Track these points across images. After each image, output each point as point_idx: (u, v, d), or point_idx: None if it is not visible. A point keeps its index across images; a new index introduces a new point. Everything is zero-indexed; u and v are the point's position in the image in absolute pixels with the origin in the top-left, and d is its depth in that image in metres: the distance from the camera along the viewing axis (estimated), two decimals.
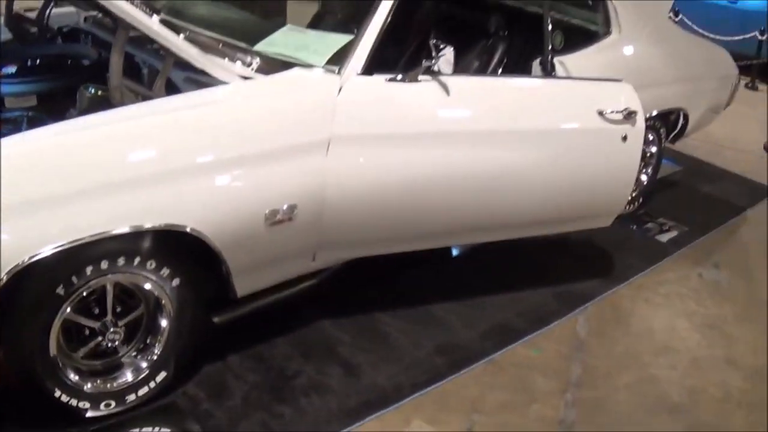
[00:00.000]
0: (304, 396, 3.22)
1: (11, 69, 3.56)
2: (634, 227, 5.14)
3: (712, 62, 5.47)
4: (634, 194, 5.17)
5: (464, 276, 4.26)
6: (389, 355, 3.53)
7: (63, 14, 4.09)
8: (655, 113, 4.85)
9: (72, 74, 3.49)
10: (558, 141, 3.66)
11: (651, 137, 5.08)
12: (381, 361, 3.48)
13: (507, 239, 3.93)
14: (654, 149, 5.16)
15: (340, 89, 3.15)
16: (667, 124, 5.16)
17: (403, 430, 3.12)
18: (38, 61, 3.66)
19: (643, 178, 5.23)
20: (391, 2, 3.31)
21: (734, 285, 4.58)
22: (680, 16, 9.25)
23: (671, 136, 5.31)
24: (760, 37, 9.35)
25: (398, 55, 3.85)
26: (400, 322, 3.76)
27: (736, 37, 8.93)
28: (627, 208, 5.13)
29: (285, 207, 3.00)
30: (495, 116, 3.54)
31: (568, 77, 3.99)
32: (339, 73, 3.18)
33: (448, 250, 4.43)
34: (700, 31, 8.84)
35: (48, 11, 3.93)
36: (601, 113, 3.71)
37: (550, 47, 3.98)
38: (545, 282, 4.25)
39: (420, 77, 3.28)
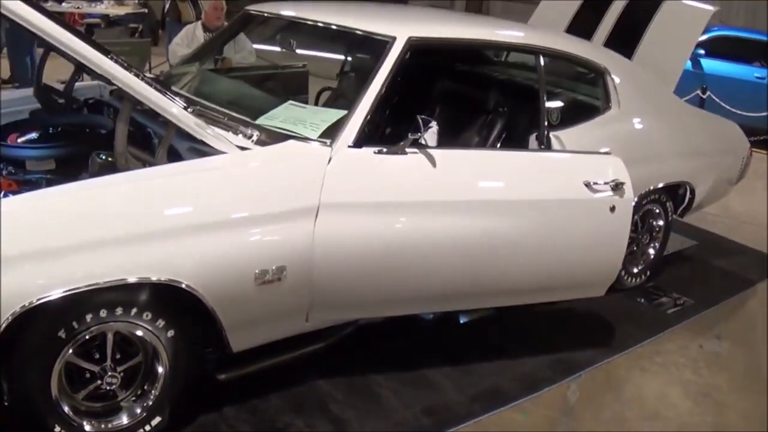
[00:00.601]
0: None
1: (34, 135, 3.91)
2: (642, 300, 5.22)
3: (719, 136, 5.61)
4: (640, 267, 5.29)
5: (461, 341, 4.41)
6: (378, 413, 3.69)
7: (90, 87, 4.45)
8: (660, 186, 4.99)
9: (88, 142, 3.80)
10: (544, 211, 3.83)
11: (657, 210, 5.21)
12: (369, 418, 3.64)
13: (497, 306, 4.09)
14: (661, 222, 5.28)
15: (330, 160, 3.38)
16: (673, 198, 5.28)
17: None
18: (59, 129, 3.99)
19: (651, 251, 5.34)
20: (381, 83, 3.58)
21: (733, 356, 4.64)
22: (708, 93, 9.39)
23: (679, 210, 5.43)
24: None
25: (394, 128, 4.07)
26: (392, 383, 3.92)
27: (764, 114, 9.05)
28: (634, 281, 5.26)
29: (274, 268, 3.23)
30: (481, 187, 3.76)
31: (557, 150, 4.18)
32: (330, 145, 3.44)
33: (449, 314, 4.57)
34: (727, 107, 8.97)
35: (74, 84, 4.30)
36: (588, 185, 3.88)
37: (546, 122, 4.20)
38: (542, 350, 4.37)
39: (407, 149, 3.51)
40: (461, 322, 4.52)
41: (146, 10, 14.84)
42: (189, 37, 7.53)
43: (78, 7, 13.39)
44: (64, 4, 12.80)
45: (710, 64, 10.49)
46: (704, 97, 9.36)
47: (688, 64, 10.39)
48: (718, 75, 10.24)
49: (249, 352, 3.52)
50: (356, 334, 3.90)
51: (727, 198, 6.22)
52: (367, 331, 3.96)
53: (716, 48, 10.57)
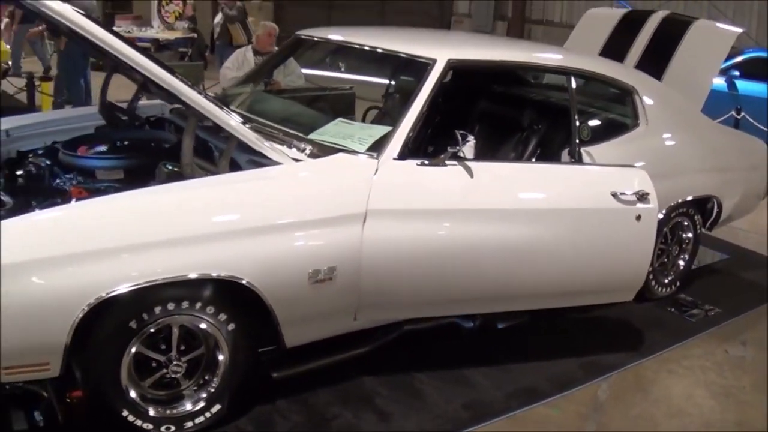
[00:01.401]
0: None
1: (103, 147, 4.29)
2: (672, 309, 5.45)
3: (746, 153, 5.83)
4: (671, 278, 5.53)
5: (498, 344, 4.67)
6: (420, 407, 3.98)
7: (151, 105, 4.85)
8: (688, 199, 5.24)
9: (153, 154, 4.17)
10: (574, 219, 4.11)
11: (686, 223, 5.45)
12: (411, 412, 3.94)
13: (531, 309, 4.37)
14: (690, 235, 5.52)
15: (376, 171, 3.71)
16: (702, 211, 5.52)
17: None
18: (125, 142, 4.38)
19: (680, 263, 5.58)
20: (423, 101, 3.94)
21: (758, 360, 4.84)
22: (742, 113, 9.58)
23: (708, 223, 5.66)
24: None
25: (435, 143, 4.37)
26: (434, 380, 4.21)
27: None
28: (664, 290, 5.50)
29: (326, 268, 3.55)
30: (514, 197, 4.05)
31: (586, 163, 4.47)
32: (377, 158, 3.77)
33: (487, 321, 4.85)
34: (762, 127, 9.16)
35: (136, 103, 4.69)
36: (615, 195, 4.16)
37: (577, 139, 4.50)
38: (575, 353, 4.63)
39: (447, 162, 3.83)
40: (498, 327, 4.79)
41: (195, 35, 15.38)
42: (240, 61, 7.93)
43: (129, 32, 13.93)
44: (114, 29, 13.33)
45: (745, 85, 10.68)
46: (739, 117, 9.54)
47: (723, 85, 10.61)
48: (753, 96, 10.42)
49: (300, 353, 3.85)
50: (400, 338, 4.21)
51: (756, 214, 6.44)
52: (411, 335, 4.27)
53: (751, 69, 10.75)
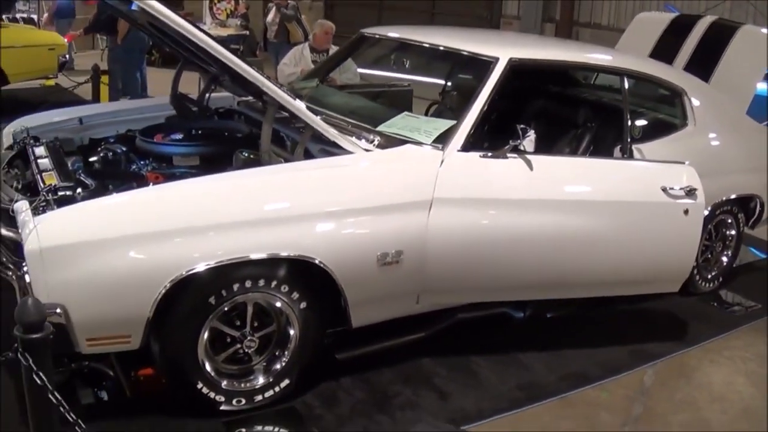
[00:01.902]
0: (400, 410, 3.94)
1: (179, 135, 4.57)
2: (715, 303, 5.63)
3: None
4: (714, 273, 5.70)
5: (552, 331, 4.89)
6: (477, 386, 4.22)
7: (221, 98, 5.12)
8: (732, 197, 5.42)
9: (228, 142, 4.44)
10: (626, 212, 4.31)
11: (729, 221, 5.63)
12: (469, 390, 4.17)
13: (584, 297, 4.59)
14: (733, 232, 5.69)
15: (442, 162, 3.95)
16: (745, 209, 5.69)
17: None
18: (200, 131, 4.65)
19: (724, 259, 5.75)
20: (486, 96, 4.18)
21: None
22: None
23: (750, 221, 5.83)
24: None
25: (496, 137, 4.59)
26: (490, 363, 4.44)
27: None
28: (707, 285, 5.68)
29: (393, 251, 3.79)
30: (571, 189, 4.28)
31: (637, 159, 4.67)
32: (442, 149, 4.01)
33: (539, 311, 5.05)
34: None
35: (208, 95, 4.97)
36: (664, 189, 4.36)
37: (629, 137, 4.70)
38: (623, 341, 4.83)
39: (508, 155, 4.06)
40: (548, 316, 4.99)
41: (248, 32, 15.68)
42: (297, 58, 8.19)
43: None
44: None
45: None
46: None
47: (766, 90, 10.71)
48: None
49: (364, 336, 4.11)
50: (456, 325, 4.47)
51: None
52: (465, 323, 4.52)
53: None
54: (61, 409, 2.83)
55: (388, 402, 4.01)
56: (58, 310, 3.20)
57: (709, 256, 5.62)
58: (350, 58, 6.33)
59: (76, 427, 2.87)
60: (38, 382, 2.79)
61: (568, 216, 4.17)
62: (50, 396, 2.81)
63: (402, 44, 5.21)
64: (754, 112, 5.93)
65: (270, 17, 11.40)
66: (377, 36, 5.27)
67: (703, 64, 5.99)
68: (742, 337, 5.15)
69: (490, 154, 4.07)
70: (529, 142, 4.03)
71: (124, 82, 10.23)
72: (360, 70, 6.67)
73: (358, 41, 5.48)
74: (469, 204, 3.97)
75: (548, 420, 4.02)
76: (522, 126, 4.05)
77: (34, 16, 15.55)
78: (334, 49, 7.82)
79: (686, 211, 4.41)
